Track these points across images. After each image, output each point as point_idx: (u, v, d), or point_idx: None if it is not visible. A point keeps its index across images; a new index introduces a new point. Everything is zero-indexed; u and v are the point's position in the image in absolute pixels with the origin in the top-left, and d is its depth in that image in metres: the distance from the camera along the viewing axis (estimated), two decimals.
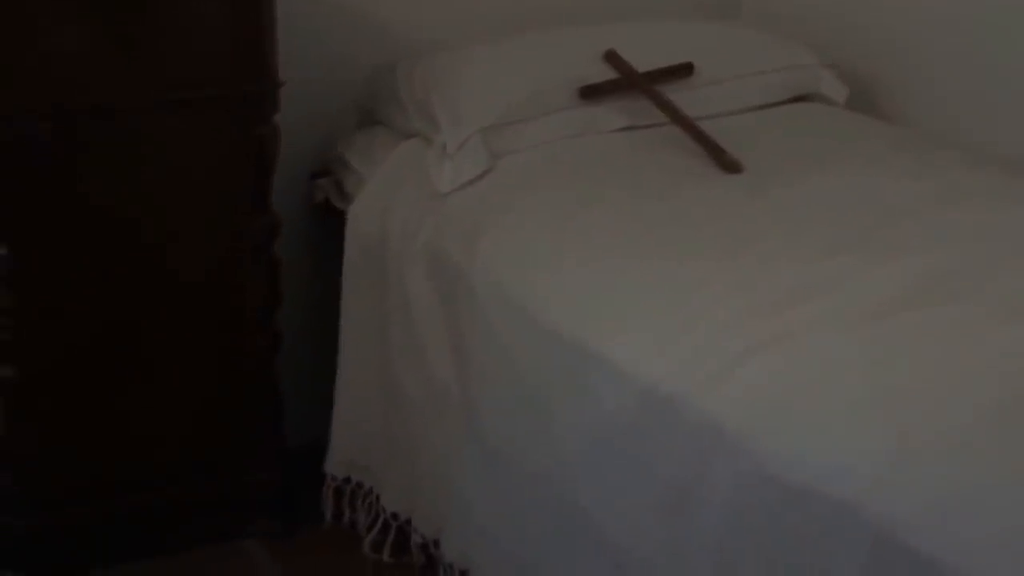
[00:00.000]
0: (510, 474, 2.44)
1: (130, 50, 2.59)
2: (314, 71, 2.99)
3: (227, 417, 2.84)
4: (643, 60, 2.92)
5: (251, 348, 2.82)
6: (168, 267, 2.73)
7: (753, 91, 3.03)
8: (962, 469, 1.82)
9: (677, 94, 2.89)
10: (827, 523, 1.84)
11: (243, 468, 2.88)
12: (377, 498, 2.83)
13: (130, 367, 2.75)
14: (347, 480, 2.89)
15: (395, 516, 2.79)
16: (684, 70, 2.97)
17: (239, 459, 2.87)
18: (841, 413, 1.95)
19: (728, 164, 2.71)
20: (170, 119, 2.66)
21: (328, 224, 3.02)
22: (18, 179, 2.58)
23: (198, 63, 2.64)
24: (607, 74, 2.90)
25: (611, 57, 2.92)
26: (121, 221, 2.67)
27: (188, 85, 2.64)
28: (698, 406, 2.06)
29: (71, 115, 2.58)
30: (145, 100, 2.63)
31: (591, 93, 2.87)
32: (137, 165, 2.66)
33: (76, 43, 2.55)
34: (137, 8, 2.59)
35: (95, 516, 2.79)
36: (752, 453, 1.96)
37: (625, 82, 2.89)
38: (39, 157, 2.58)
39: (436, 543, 2.67)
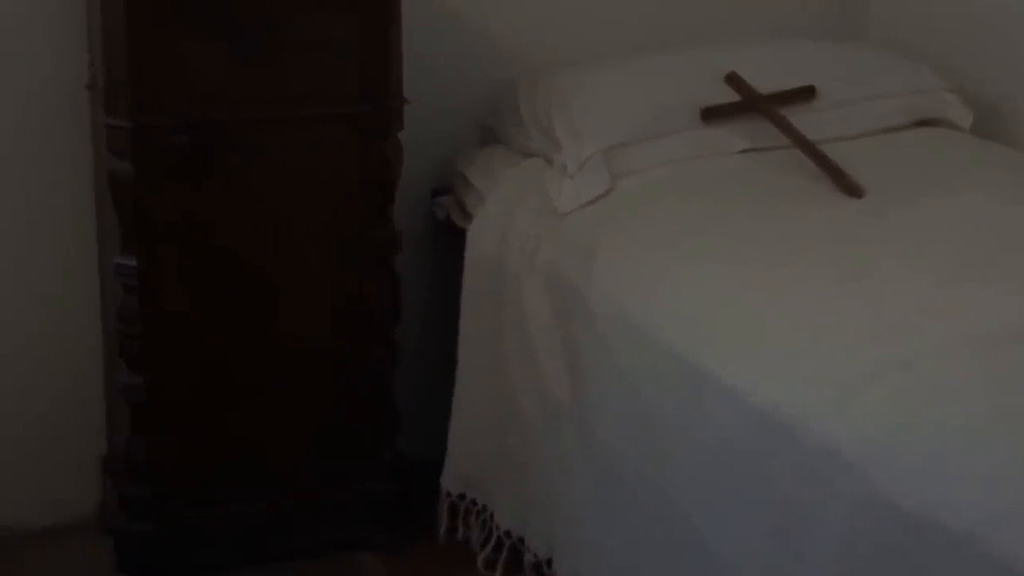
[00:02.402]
0: (624, 493, 2.44)
1: (261, 67, 2.65)
2: (437, 89, 3.03)
3: (344, 429, 2.87)
4: (765, 82, 2.91)
5: (370, 361, 2.85)
6: (292, 279, 2.77)
7: (876, 115, 3.01)
8: None
9: (799, 117, 2.87)
10: (946, 554, 1.81)
11: (359, 480, 2.91)
12: (491, 515, 2.84)
13: (252, 377, 2.79)
14: (462, 496, 2.91)
15: (508, 534, 2.79)
16: (806, 93, 2.95)
17: (355, 471, 2.90)
18: (963, 441, 1.91)
19: (850, 188, 2.68)
20: (297, 135, 2.71)
21: (449, 240, 3.05)
22: (152, 191, 2.64)
23: (326, 81, 2.69)
24: (729, 96, 2.89)
25: (733, 79, 2.91)
26: (248, 233, 2.73)
27: (315, 102, 2.70)
28: (816, 430, 2.05)
29: (205, 130, 2.64)
30: (274, 116, 2.68)
31: (712, 115, 2.87)
32: (265, 178, 2.71)
33: (211, 60, 2.61)
34: (268, 27, 2.64)
35: (213, 523, 2.83)
36: (870, 480, 1.93)
37: (747, 104, 2.88)
38: (174, 169, 2.64)
39: (549, 562, 2.68)
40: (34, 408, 2.98)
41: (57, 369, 2.98)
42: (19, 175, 2.89)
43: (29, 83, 2.85)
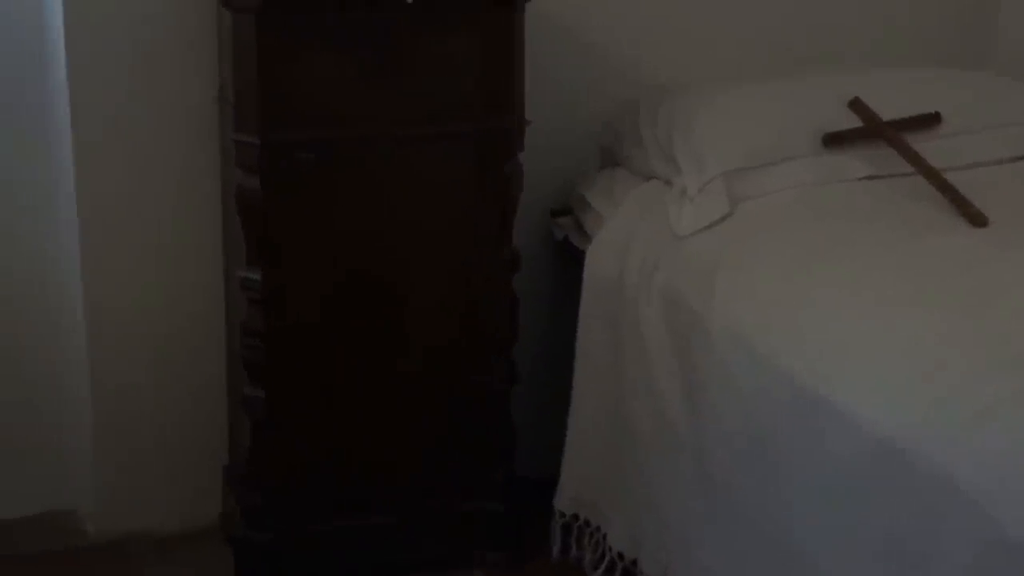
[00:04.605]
0: (738, 518, 2.43)
1: (386, 85, 2.67)
2: (559, 110, 3.05)
3: (461, 446, 2.90)
4: (889, 108, 2.89)
5: (488, 379, 2.87)
6: (412, 296, 2.80)
7: (1002, 143, 2.97)
8: None
9: (923, 144, 2.85)
10: None
11: (473, 497, 2.93)
12: (604, 536, 2.85)
13: (371, 392, 2.83)
14: (575, 516, 2.92)
15: (621, 556, 2.80)
16: (931, 120, 2.92)
17: (470, 488, 2.93)
18: None
19: (974, 217, 2.65)
20: (420, 153, 2.74)
21: (567, 261, 3.06)
22: (277, 206, 2.68)
23: (449, 100, 2.72)
24: (852, 122, 2.88)
25: (856, 105, 2.89)
26: (370, 250, 2.76)
27: (439, 120, 2.72)
28: (934, 462, 2.02)
29: (331, 146, 2.68)
30: (398, 134, 2.71)
31: (835, 140, 2.86)
32: (388, 196, 2.74)
33: (339, 78, 2.65)
34: (393, 47, 2.67)
35: (329, 535, 2.87)
36: (992, 518, 1.90)
37: (870, 130, 2.86)
38: (300, 186, 2.69)
39: None
40: (160, 418, 3.04)
41: (183, 380, 3.03)
42: (150, 186, 2.94)
43: (162, 95, 2.90)
